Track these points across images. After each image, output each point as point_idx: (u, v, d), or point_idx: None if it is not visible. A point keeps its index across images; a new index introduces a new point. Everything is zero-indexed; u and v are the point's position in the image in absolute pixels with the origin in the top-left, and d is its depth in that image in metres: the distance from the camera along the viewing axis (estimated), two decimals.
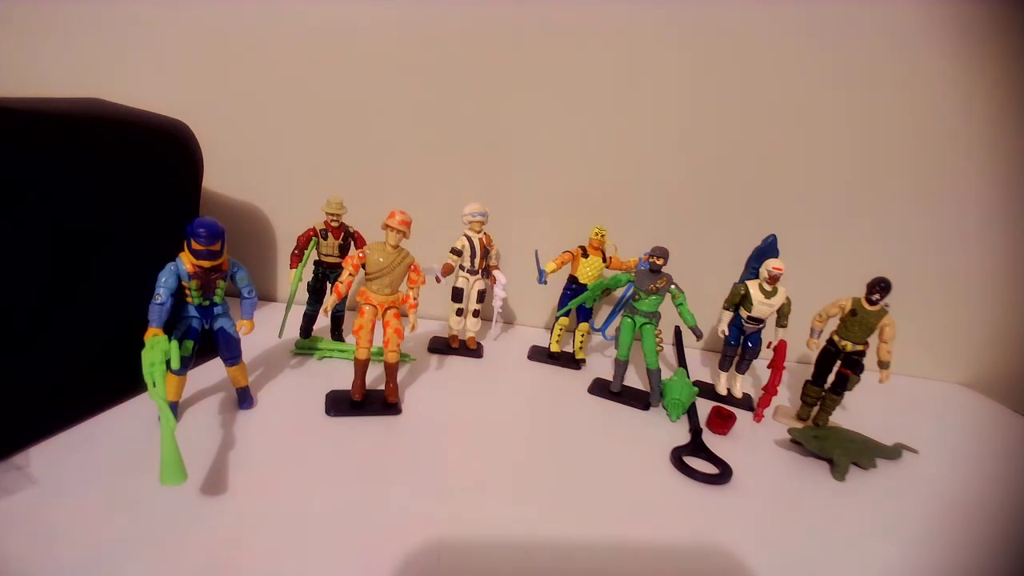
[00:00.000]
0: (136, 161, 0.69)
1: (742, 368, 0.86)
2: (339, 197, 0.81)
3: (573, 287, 0.90)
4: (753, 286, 0.80)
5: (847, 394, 0.77)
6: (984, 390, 1.09)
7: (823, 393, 0.78)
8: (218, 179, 0.97)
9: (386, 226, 0.66)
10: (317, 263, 0.84)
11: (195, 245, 0.55)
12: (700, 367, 1.02)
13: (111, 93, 0.75)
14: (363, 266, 0.67)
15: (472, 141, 1.00)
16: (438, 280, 0.83)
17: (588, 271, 0.88)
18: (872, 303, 0.73)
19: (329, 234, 0.81)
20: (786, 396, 0.91)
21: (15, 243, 0.54)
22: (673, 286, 0.79)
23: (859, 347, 0.75)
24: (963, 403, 1.03)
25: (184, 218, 0.57)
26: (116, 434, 0.57)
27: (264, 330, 0.77)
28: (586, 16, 0.92)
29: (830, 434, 0.70)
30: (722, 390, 0.87)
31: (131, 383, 0.60)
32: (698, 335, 0.79)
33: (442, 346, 0.92)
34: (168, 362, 0.52)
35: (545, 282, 0.88)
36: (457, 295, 0.89)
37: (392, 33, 0.93)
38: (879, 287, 0.73)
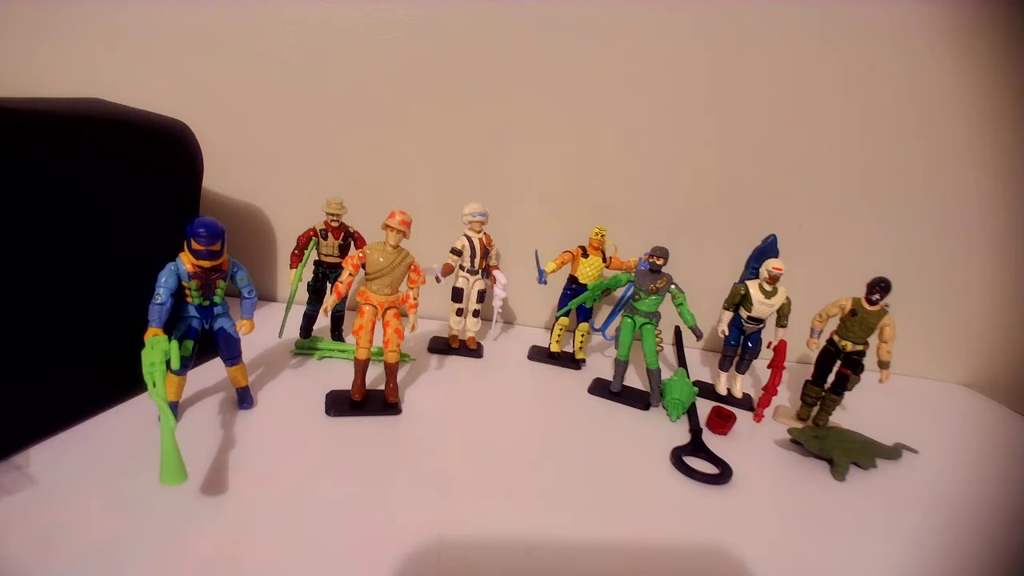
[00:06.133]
0: (136, 161, 0.69)
1: (742, 368, 0.86)
2: (339, 197, 0.81)
3: (573, 287, 0.90)
4: (753, 286, 0.80)
5: (847, 394, 0.77)
6: (984, 390, 1.09)
7: (823, 393, 0.78)
8: (218, 179, 0.97)
9: (386, 226, 0.66)
10: (317, 263, 0.84)
11: (195, 245, 0.55)
12: (700, 367, 1.01)
13: (111, 93, 0.75)
14: (363, 266, 0.67)
15: (472, 141, 1.00)
16: (438, 280, 0.83)
17: (588, 271, 0.88)
18: (872, 303, 0.73)
19: (329, 234, 0.81)
20: (786, 396, 0.91)
21: (15, 243, 0.54)
22: (673, 286, 0.79)
23: (859, 347, 0.75)
24: (963, 403, 1.03)
25: (184, 218, 0.57)
26: (116, 434, 0.57)
27: (264, 330, 0.78)
28: (587, 16, 0.92)
29: (830, 434, 0.70)
30: (722, 390, 0.87)
31: (131, 383, 0.60)
32: (698, 335, 0.79)
33: (442, 346, 0.92)
34: (168, 362, 0.52)
35: (545, 282, 0.88)
36: (457, 295, 0.89)
37: (392, 33, 0.93)
38: (879, 287, 0.73)
